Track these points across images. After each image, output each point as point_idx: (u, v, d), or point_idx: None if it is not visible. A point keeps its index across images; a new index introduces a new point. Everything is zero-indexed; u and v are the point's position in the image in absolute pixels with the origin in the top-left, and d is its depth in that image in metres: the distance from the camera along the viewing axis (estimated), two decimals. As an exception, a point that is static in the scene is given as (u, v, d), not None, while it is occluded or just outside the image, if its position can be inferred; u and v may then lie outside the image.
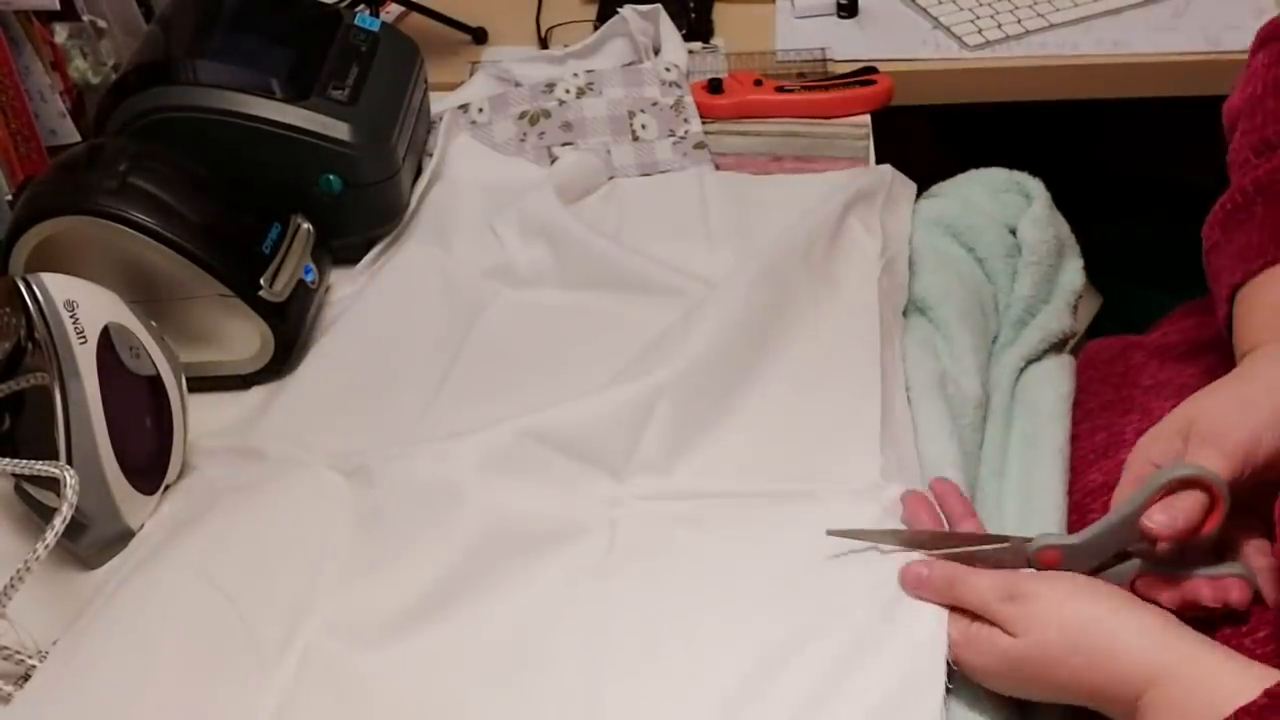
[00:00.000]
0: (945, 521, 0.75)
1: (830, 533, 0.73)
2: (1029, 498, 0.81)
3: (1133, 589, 0.69)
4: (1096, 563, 0.69)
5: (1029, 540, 0.70)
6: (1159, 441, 0.69)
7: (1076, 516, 0.80)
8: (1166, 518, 0.65)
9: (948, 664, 0.67)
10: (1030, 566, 0.70)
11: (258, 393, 0.94)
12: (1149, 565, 0.69)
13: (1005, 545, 0.70)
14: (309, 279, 0.96)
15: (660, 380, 0.83)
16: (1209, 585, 0.68)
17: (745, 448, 0.83)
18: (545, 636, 0.73)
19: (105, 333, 0.79)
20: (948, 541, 0.72)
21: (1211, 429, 0.67)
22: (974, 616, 0.67)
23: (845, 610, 0.70)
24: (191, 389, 0.88)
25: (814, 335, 0.91)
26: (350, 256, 1.04)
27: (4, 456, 0.77)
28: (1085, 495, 0.81)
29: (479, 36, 1.34)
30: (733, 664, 0.69)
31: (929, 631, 0.68)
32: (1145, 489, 0.67)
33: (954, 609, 0.68)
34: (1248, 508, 0.70)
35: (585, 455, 0.82)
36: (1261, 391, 0.68)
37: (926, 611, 0.68)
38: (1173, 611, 0.67)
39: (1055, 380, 0.90)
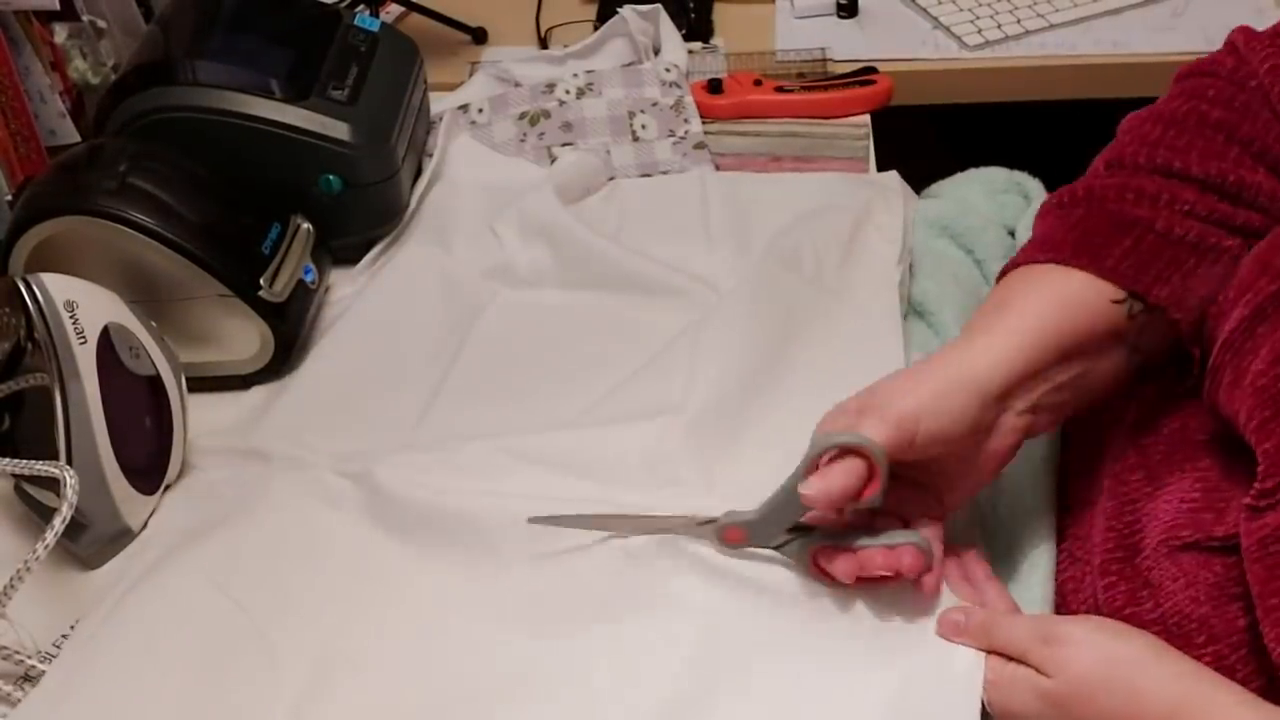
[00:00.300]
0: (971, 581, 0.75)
1: (532, 520, 0.75)
2: (1019, 503, 0.81)
3: (814, 561, 0.71)
4: (779, 535, 0.71)
5: (715, 520, 0.72)
6: (838, 416, 0.70)
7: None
8: (822, 484, 0.67)
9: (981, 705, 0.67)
10: (721, 544, 0.73)
11: (258, 393, 0.93)
12: (832, 537, 0.71)
13: (697, 525, 0.73)
14: (309, 279, 0.96)
15: (676, 410, 0.82)
16: (882, 554, 0.69)
17: (773, 468, 0.82)
18: (563, 642, 0.72)
19: (105, 333, 0.79)
20: (643, 524, 0.74)
21: (876, 400, 0.69)
22: (1008, 659, 0.67)
23: (876, 643, 0.70)
24: (191, 389, 0.88)
25: (835, 346, 0.90)
26: (350, 256, 1.04)
27: (4, 456, 0.77)
28: None
29: (479, 36, 1.34)
30: (763, 696, 0.69)
31: (964, 671, 0.67)
32: (805, 458, 0.69)
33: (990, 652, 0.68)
34: (918, 483, 0.72)
35: (603, 479, 0.80)
36: (933, 371, 0.70)
37: (962, 651, 0.68)
38: (848, 582, 0.70)
39: None
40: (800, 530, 0.71)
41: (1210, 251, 0.73)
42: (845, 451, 0.67)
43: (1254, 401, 0.65)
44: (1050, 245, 0.75)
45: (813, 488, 0.67)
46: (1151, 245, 0.73)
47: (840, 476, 0.67)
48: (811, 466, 0.68)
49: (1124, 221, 0.74)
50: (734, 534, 0.72)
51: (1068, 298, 0.72)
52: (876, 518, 0.72)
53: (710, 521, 0.73)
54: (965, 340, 0.73)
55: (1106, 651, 0.64)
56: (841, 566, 0.70)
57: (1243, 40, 0.78)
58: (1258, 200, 0.74)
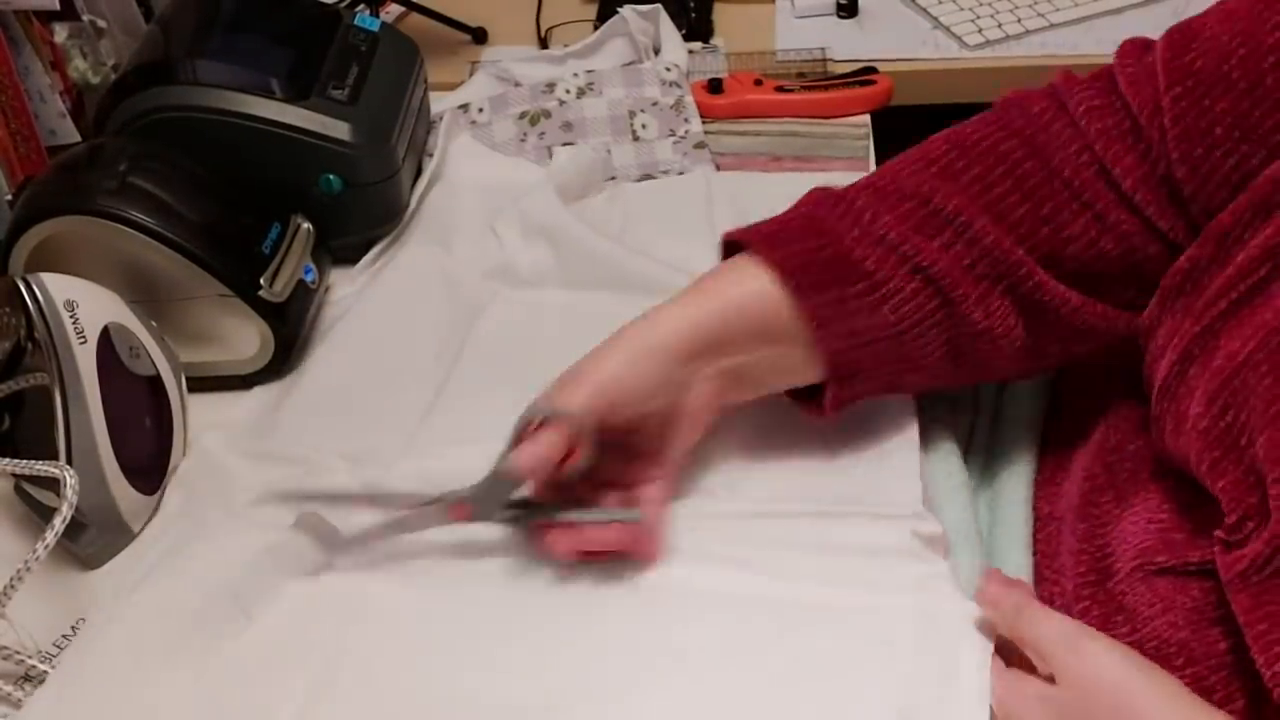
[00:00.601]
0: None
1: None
2: (999, 515, 0.81)
3: (537, 537, 0.73)
4: (502, 510, 0.73)
5: (440, 499, 0.74)
6: (549, 391, 0.74)
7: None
8: (525, 454, 0.70)
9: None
10: (448, 522, 0.74)
11: (258, 393, 0.93)
12: (554, 512, 0.73)
13: (424, 506, 0.75)
14: (309, 279, 0.96)
15: None
16: (599, 530, 0.73)
17: (777, 469, 0.81)
18: (567, 643, 0.72)
19: (105, 333, 0.79)
20: (373, 503, 0.76)
21: (577, 372, 0.73)
22: (1010, 662, 0.67)
23: (881, 649, 0.69)
24: (191, 389, 0.88)
25: None
26: (350, 256, 1.04)
27: (4, 456, 0.77)
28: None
29: (479, 36, 1.34)
30: (766, 700, 0.68)
31: (971, 677, 0.67)
32: (513, 430, 0.72)
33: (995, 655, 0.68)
34: (630, 451, 0.75)
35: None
36: (626, 339, 0.74)
37: (968, 657, 0.68)
38: (570, 559, 0.72)
39: (1038, 391, 0.88)
40: (523, 506, 0.73)
41: (881, 285, 0.73)
42: (549, 423, 0.70)
43: (1200, 444, 0.64)
44: (756, 228, 0.77)
45: (518, 458, 0.70)
46: (828, 257, 0.74)
47: (542, 446, 0.70)
48: (518, 439, 0.71)
49: (821, 228, 0.75)
50: (459, 510, 0.74)
51: (750, 282, 0.75)
52: (598, 492, 0.75)
53: (435, 501, 0.74)
54: (662, 307, 0.76)
55: (1119, 672, 0.62)
56: (563, 544, 0.73)
57: (1063, 86, 0.78)
58: (983, 249, 0.73)
